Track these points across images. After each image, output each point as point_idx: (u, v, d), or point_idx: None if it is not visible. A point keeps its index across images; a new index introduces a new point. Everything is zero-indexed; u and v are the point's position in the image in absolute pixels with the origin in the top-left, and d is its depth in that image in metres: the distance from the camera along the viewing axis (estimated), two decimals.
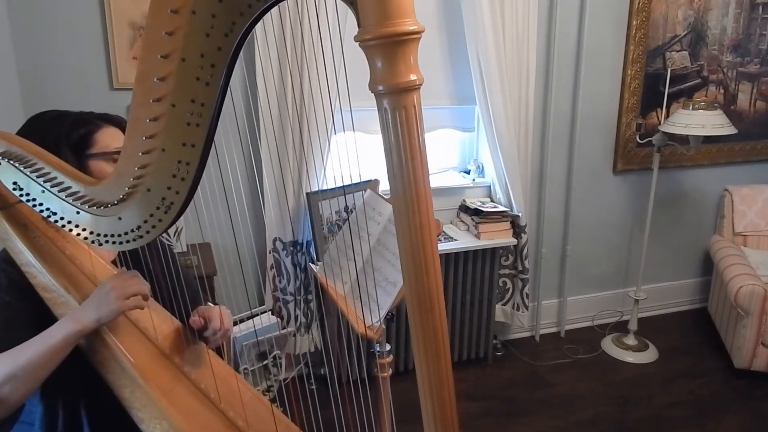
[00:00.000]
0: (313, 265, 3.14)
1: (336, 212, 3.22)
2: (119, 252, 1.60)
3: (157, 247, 1.67)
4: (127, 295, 1.33)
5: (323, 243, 3.15)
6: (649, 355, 3.82)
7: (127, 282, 1.35)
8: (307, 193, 3.19)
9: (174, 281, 1.58)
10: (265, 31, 2.93)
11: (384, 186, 3.17)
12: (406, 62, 0.85)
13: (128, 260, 1.54)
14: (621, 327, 4.07)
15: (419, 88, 0.87)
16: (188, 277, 1.79)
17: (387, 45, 0.84)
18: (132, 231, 1.18)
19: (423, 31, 0.84)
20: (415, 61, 0.86)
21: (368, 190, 2.71)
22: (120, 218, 1.18)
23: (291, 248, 3.31)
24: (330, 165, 3.28)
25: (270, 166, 3.17)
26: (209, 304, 1.70)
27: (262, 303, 3.38)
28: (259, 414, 1.53)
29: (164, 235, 1.29)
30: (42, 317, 1.37)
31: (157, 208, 1.11)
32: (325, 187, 3.23)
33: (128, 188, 1.12)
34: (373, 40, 0.83)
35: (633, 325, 3.90)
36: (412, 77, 0.86)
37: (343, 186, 3.05)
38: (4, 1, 2.76)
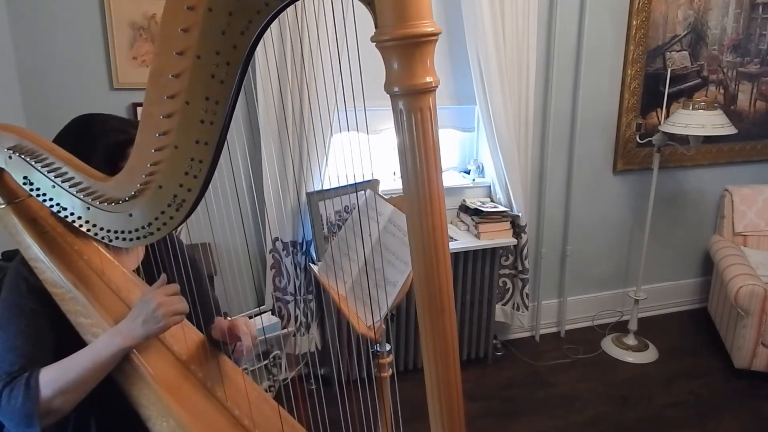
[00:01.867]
0: (313, 265, 3.14)
1: (336, 212, 3.22)
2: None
3: (174, 252, 1.67)
4: (174, 313, 1.36)
5: (323, 243, 3.15)
6: (649, 355, 3.83)
7: (172, 299, 1.37)
8: (307, 193, 3.18)
9: (189, 287, 1.58)
10: (269, 29, 2.92)
11: (384, 186, 3.18)
12: (423, 64, 0.85)
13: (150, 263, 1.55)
14: (621, 327, 4.08)
15: (435, 90, 0.87)
16: (205, 284, 1.80)
17: (404, 46, 0.83)
18: (143, 228, 1.18)
19: (440, 33, 0.84)
20: (431, 63, 0.86)
21: (368, 190, 2.71)
22: (131, 215, 1.18)
23: (291, 248, 3.31)
24: (330, 165, 3.28)
25: (270, 165, 3.17)
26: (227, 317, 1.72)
27: (262, 303, 3.38)
28: (264, 413, 1.53)
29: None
30: (57, 317, 1.37)
31: (169, 205, 1.11)
32: (325, 187, 3.23)
33: (140, 185, 1.12)
34: (391, 41, 0.83)
35: (633, 325, 3.91)
36: (429, 79, 0.85)
37: (351, 185, 3.04)
38: (4, 1, 2.76)
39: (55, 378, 1.30)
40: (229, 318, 1.68)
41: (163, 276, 1.41)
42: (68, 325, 1.38)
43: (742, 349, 3.48)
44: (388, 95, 0.87)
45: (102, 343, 1.33)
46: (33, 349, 1.35)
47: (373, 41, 0.85)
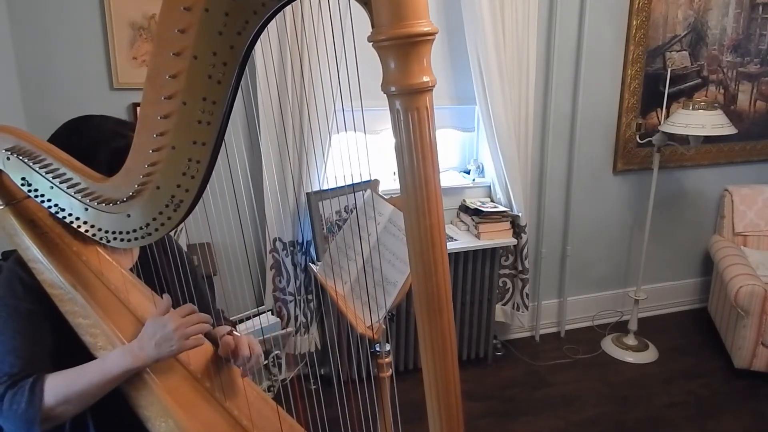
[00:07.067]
0: (313, 265, 3.14)
1: (336, 212, 3.22)
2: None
3: (172, 251, 1.67)
4: (190, 335, 1.37)
5: (323, 243, 3.15)
6: (649, 355, 3.82)
7: (189, 320, 1.38)
8: (307, 193, 3.18)
9: (187, 285, 1.58)
10: (267, 30, 2.92)
11: (384, 186, 3.17)
12: (419, 63, 0.85)
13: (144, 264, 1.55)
14: (621, 327, 4.08)
15: (432, 90, 0.87)
16: (199, 282, 1.80)
17: (401, 46, 0.83)
18: (140, 228, 1.18)
19: (437, 33, 0.84)
20: (428, 62, 0.86)
21: (368, 190, 2.70)
22: (129, 215, 1.18)
23: (291, 248, 3.31)
24: (330, 165, 3.28)
25: (270, 165, 3.17)
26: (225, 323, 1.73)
27: (262, 303, 3.38)
28: (263, 413, 1.54)
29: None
30: (55, 317, 1.38)
31: (166, 206, 1.11)
32: (325, 187, 3.23)
33: (137, 185, 1.12)
34: (387, 41, 0.83)
35: (633, 325, 3.91)
36: (425, 79, 0.86)
37: (352, 185, 3.03)
38: (5, 1, 2.76)
39: (60, 387, 1.31)
40: (231, 328, 1.67)
41: (167, 297, 1.41)
42: (67, 324, 1.38)
43: (742, 349, 3.48)
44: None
45: (112, 360, 1.34)
46: (32, 350, 1.35)
47: (369, 41, 0.85)
